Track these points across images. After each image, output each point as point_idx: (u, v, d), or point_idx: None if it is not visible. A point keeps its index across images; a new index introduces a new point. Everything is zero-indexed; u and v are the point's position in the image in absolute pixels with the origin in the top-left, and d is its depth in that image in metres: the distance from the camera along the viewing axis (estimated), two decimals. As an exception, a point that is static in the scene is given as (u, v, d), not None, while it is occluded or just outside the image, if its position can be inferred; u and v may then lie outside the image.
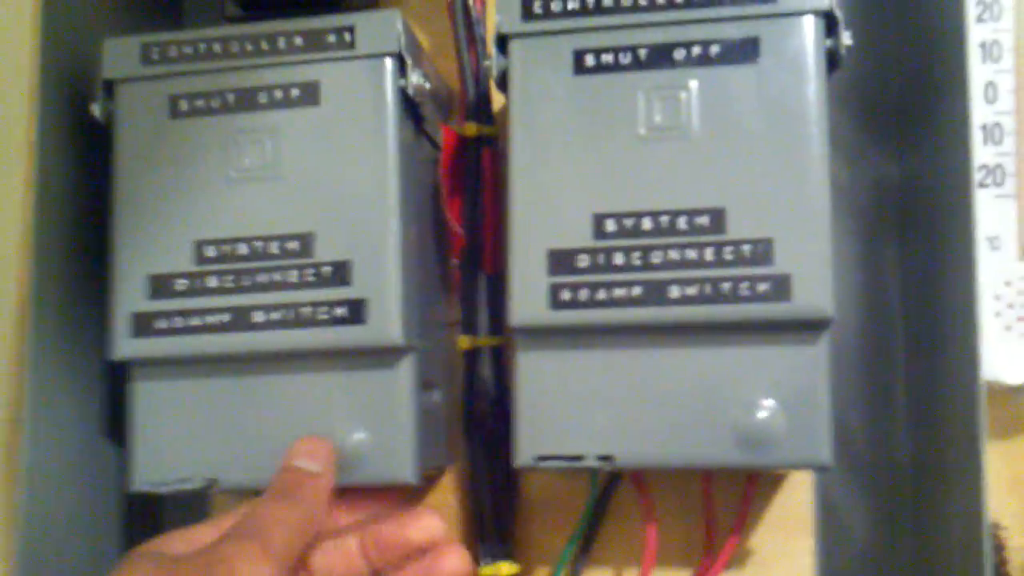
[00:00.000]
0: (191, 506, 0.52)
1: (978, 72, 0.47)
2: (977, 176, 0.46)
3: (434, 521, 0.43)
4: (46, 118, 0.45)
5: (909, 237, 0.50)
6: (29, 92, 0.44)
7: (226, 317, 0.43)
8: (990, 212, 0.47)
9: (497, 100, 0.49)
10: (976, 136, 0.46)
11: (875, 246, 0.50)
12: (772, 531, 0.48)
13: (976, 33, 0.47)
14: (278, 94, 0.44)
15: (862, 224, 0.51)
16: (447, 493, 0.51)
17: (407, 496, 0.48)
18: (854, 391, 0.50)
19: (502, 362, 0.49)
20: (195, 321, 0.44)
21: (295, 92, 0.43)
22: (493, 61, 0.43)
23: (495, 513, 0.48)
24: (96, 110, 0.45)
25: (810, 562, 0.47)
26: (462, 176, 0.49)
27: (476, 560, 0.48)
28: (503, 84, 0.43)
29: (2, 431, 0.52)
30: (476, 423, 0.48)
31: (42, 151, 0.44)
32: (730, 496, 0.47)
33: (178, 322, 0.44)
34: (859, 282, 0.51)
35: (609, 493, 0.48)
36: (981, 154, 0.47)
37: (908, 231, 0.50)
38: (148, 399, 0.45)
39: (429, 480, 0.51)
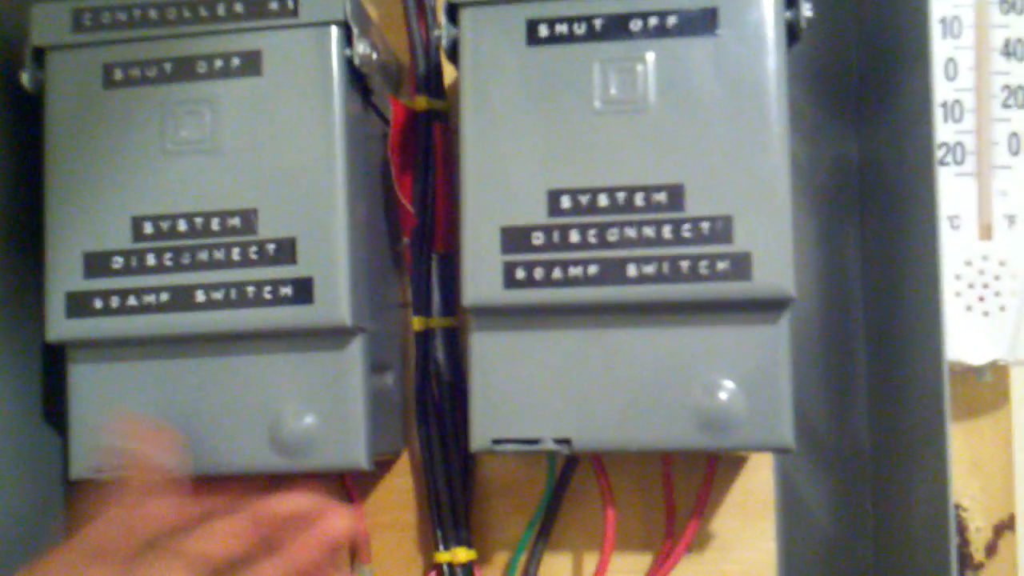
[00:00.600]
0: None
1: (938, 48, 0.45)
2: (937, 154, 0.44)
3: (302, 497, 0.40)
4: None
5: (869, 216, 0.48)
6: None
7: (165, 296, 0.40)
8: (950, 191, 0.45)
9: (448, 74, 0.47)
10: (936, 114, 0.44)
11: (834, 225, 0.49)
12: (733, 514, 0.46)
13: (936, 8, 0.45)
14: (218, 63, 0.40)
15: (821, 203, 0.49)
16: (402, 478, 0.48)
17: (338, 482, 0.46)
18: (813, 371, 0.48)
19: (456, 344, 0.46)
20: (133, 301, 0.41)
21: (235, 61, 0.40)
22: (443, 31, 0.40)
23: (451, 498, 0.45)
24: (25, 79, 0.42)
25: (771, 544, 0.46)
26: (413, 152, 0.46)
27: (433, 546, 0.46)
28: (454, 55, 0.41)
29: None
30: (430, 406, 0.46)
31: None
32: (690, 479, 0.45)
33: (115, 302, 0.41)
34: (818, 261, 0.49)
35: (567, 476, 0.46)
36: (941, 132, 0.45)
37: (868, 210, 0.48)
38: (86, 382, 0.42)
39: (384, 465, 0.48)
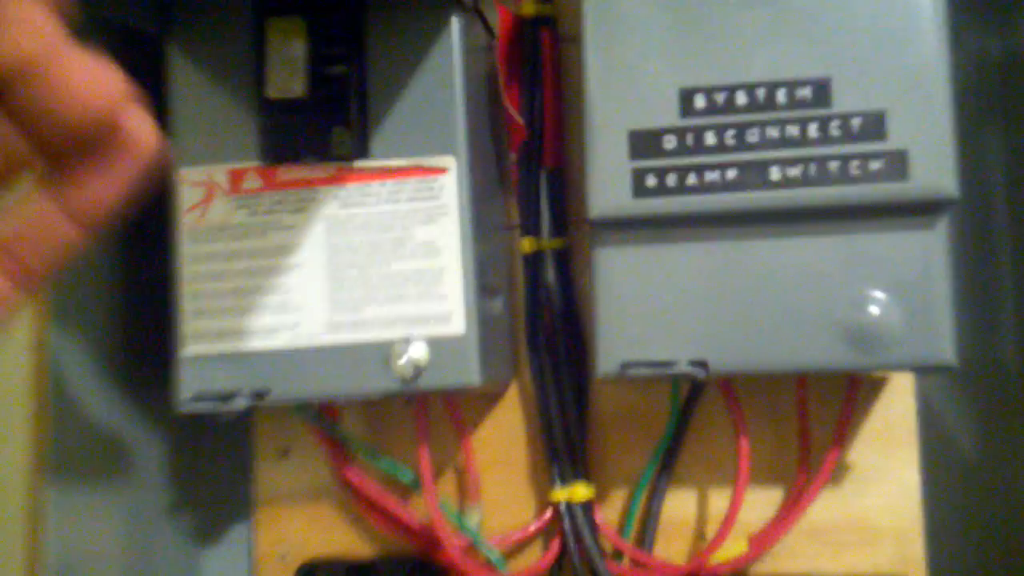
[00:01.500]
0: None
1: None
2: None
3: None
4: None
5: (1015, 117, 0.43)
6: None
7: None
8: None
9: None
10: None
11: (975, 125, 0.44)
12: (872, 443, 0.41)
13: None
14: None
15: (962, 104, 0.44)
16: (512, 412, 0.44)
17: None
18: (954, 286, 0.44)
19: (568, 267, 0.43)
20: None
21: None
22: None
23: (566, 430, 0.41)
24: None
25: (915, 475, 0.41)
26: (519, 61, 0.42)
27: (547, 484, 0.42)
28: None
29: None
30: (541, 334, 0.42)
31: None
32: (824, 406, 0.41)
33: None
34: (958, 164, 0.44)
35: (692, 405, 0.42)
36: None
37: (1013, 111, 0.43)
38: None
39: (492, 398, 0.44)
